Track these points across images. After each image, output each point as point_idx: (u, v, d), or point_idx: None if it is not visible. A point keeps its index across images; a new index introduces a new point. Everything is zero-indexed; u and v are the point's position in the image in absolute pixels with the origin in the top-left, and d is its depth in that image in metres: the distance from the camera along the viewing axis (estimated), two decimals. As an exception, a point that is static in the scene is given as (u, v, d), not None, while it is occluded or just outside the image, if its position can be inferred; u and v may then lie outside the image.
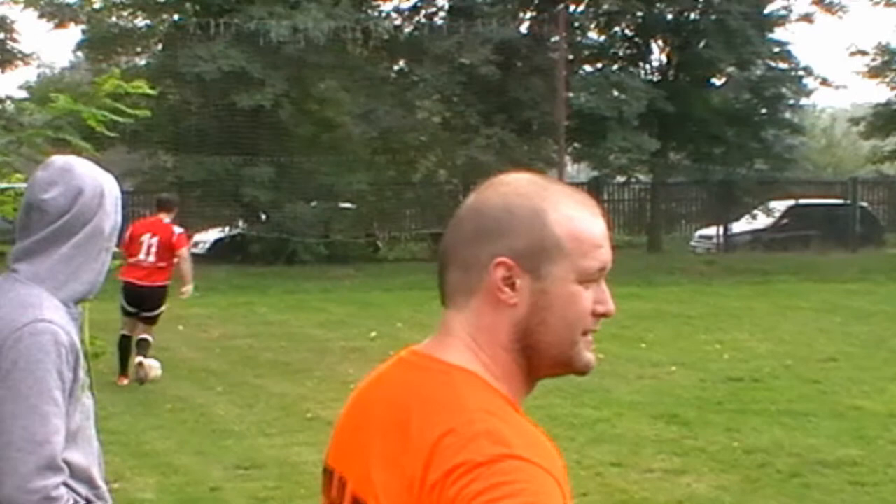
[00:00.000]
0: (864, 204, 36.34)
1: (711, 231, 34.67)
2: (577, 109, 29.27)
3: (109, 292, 8.96)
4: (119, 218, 2.93)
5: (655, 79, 33.36)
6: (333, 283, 23.40)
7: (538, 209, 1.68)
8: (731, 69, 33.70)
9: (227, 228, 29.58)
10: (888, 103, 37.40)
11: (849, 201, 35.15)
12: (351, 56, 30.02)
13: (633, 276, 22.46)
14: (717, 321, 17.45)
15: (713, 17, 31.86)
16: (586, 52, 33.25)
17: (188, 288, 12.52)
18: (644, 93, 30.40)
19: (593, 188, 35.35)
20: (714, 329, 16.42)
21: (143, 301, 12.10)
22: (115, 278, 11.44)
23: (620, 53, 33.59)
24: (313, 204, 28.82)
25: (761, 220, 34.67)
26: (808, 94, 36.07)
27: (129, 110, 5.12)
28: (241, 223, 29.74)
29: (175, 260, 12.21)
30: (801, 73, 34.28)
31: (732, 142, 33.32)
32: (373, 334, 15.09)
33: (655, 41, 34.03)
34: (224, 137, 26.22)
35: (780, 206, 34.93)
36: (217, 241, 29.21)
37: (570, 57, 30.59)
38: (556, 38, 29.22)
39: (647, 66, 34.09)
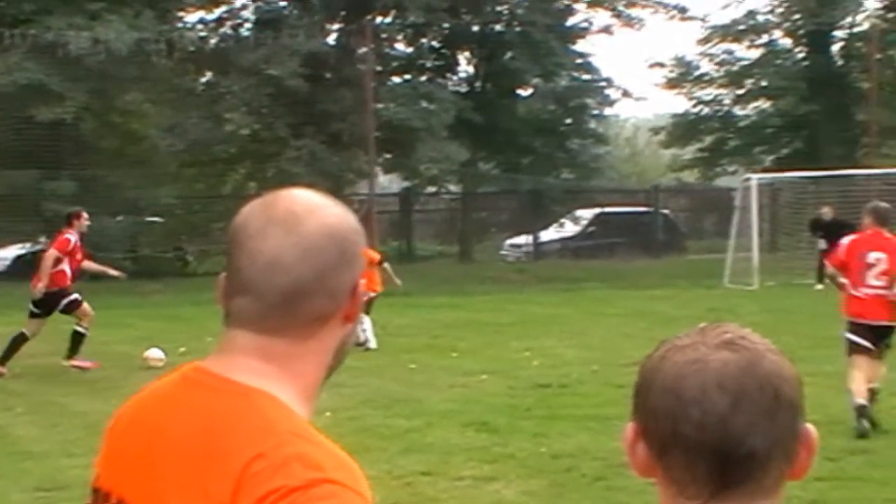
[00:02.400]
0: (666, 211, 37.48)
1: (521, 240, 35.22)
2: (387, 121, 29.40)
3: None
4: None
5: (463, 90, 33.80)
6: (141, 298, 22.91)
7: (358, 224, 1.71)
8: (536, 80, 34.38)
9: (28, 244, 28.66)
10: (686, 114, 38.78)
11: (652, 209, 36.17)
12: (155, 68, 29.46)
13: (445, 285, 22.69)
14: (528, 328, 17.72)
15: (518, 29, 32.45)
16: (395, 64, 33.46)
17: (40, 285, 13.56)
18: (452, 104, 30.76)
19: (404, 199, 35.58)
20: (524, 336, 16.66)
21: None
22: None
23: (428, 65, 33.91)
24: (119, 218, 28.17)
25: (569, 229, 35.42)
26: (611, 104, 37.12)
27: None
28: (43, 239, 28.83)
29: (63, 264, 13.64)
30: (603, 84, 35.23)
31: (540, 151, 34.00)
32: (182, 349, 14.80)
33: (462, 52, 34.47)
34: (23, 151, 25.36)
35: (586, 214, 35.75)
36: (18, 258, 28.29)
37: (379, 68, 30.73)
38: (363, 50, 29.32)
39: (455, 78, 34.51)
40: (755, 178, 27.95)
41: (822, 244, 23.14)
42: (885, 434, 9.42)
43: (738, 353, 1.45)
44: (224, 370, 1.67)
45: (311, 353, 1.67)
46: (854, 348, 9.85)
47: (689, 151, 40.50)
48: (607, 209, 35.81)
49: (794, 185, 29.85)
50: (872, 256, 9.87)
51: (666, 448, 1.46)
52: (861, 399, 9.51)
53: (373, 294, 15.42)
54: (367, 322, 15.52)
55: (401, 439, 9.61)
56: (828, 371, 11.36)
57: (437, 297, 20.32)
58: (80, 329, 13.88)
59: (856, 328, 9.88)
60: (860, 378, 9.65)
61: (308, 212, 1.67)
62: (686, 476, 1.45)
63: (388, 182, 42.62)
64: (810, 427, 1.49)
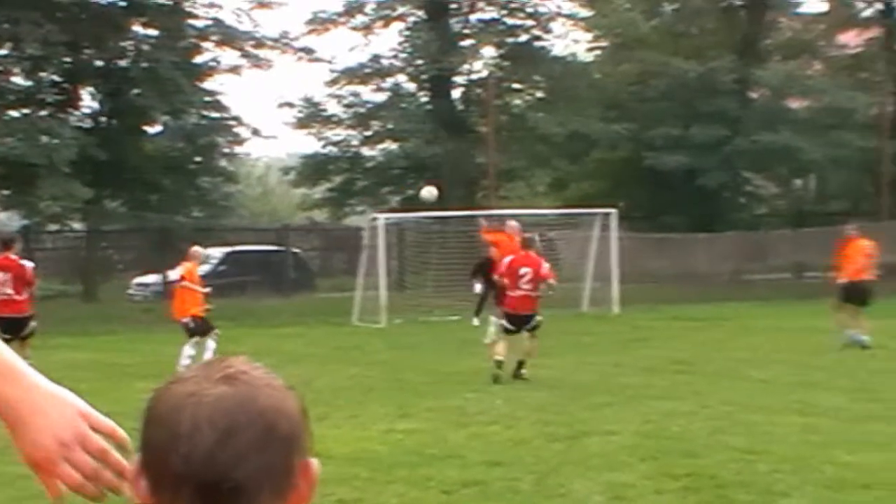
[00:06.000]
0: (297, 250, 37.68)
1: (150, 279, 34.40)
2: (3, 156, 28.08)
3: None
4: None
5: (87, 125, 32.77)
6: None
7: None
8: (164, 117, 33.82)
9: None
10: (315, 154, 39.27)
11: (282, 248, 36.28)
12: None
13: (67, 325, 21.88)
14: (155, 369, 17.31)
15: (144, 65, 31.82)
16: (12, 97, 31.99)
17: None
18: (75, 140, 29.75)
19: (24, 237, 34.02)
20: (151, 377, 16.12)
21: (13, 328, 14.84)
22: None
23: (49, 99, 32.59)
24: None
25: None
26: (241, 142, 36.99)
27: None
28: None
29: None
30: (232, 122, 35.09)
31: (169, 189, 33.47)
32: None
33: (86, 87, 33.45)
34: None
35: (217, 253, 35.36)
36: None
37: (-5, 101, 29.40)
38: (-23, 82, 27.95)
39: (79, 113, 33.41)
40: (382, 217, 28.58)
41: (479, 287, 23.94)
42: (497, 465, 9.73)
43: (236, 387, 1.42)
44: None
45: None
46: (505, 330, 15.31)
47: (319, 191, 41.00)
48: (238, 248, 35.60)
49: (419, 224, 30.73)
50: (523, 270, 15.37)
51: (159, 482, 1.42)
52: (500, 357, 14.94)
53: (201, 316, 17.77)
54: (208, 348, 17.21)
55: (10, 487, 9.11)
56: (449, 406, 11.72)
57: (56, 338, 19.53)
58: None
59: (509, 317, 15.45)
60: (503, 346, 15.11)
61: None
62: None
63: (7, 219, 40.73)
64: (313, 461, 1.45)
